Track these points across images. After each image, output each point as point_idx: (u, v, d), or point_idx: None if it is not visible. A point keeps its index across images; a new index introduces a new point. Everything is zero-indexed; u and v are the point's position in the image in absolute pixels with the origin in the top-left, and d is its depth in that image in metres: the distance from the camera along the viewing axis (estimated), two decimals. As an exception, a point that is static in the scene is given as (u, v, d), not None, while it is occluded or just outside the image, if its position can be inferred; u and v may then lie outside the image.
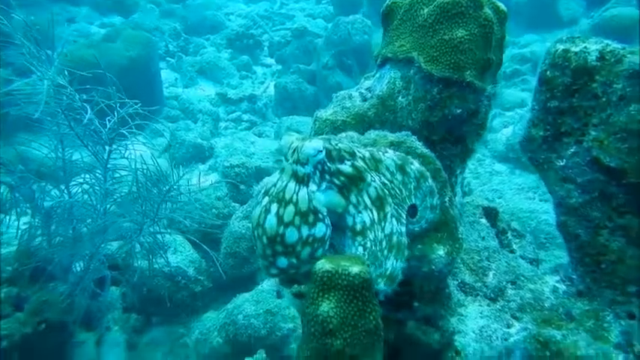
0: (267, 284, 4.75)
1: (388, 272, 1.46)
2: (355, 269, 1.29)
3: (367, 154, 1.49)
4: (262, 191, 1.55)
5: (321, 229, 1.37)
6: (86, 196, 3.67)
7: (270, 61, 11.97)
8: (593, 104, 1.67)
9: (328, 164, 1.40)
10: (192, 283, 4.82)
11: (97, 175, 3.73)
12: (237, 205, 5.69)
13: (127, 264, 4.25)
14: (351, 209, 1.44)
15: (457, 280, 1.75)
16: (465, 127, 1.89)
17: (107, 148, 3.64)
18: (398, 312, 1.56)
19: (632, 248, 1.44)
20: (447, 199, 1.53)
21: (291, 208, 1.36)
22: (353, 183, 1.43)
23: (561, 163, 1.63)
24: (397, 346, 1.54)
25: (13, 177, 3.53)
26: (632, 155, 1.54)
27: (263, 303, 4.30)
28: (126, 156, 3.77)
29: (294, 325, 4.22)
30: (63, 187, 3.82)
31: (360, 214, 1.44)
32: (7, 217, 3.93)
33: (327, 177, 1.41)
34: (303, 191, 1.39)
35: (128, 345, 4.25)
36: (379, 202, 1.44)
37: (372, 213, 1.43)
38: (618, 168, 1.55)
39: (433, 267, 1.47)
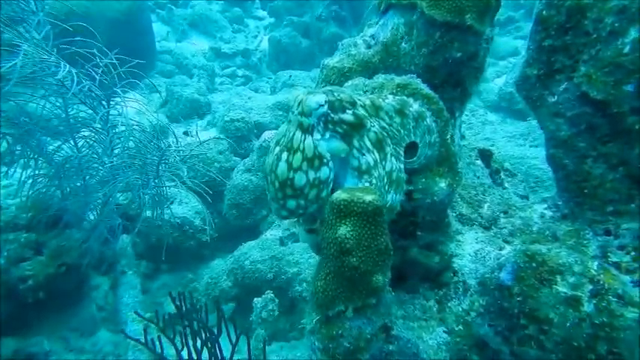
0: (271, 233, 4.98)
1: (388, 204, 1.64)
2: (369, 197, 1.46)
3: (368, 102, 1.63)
4: (274, 140, 1.69)
5: (325, 172, 1.53)
6: (92, 151, 3.79)
7: (262, 13, 11.74)
8: (584, 41, 1.79)
9: (331, 115, 1.55)
10: (199, 232, 5.04)
11: (99, 129, 3.83)
12: (238, 159, 5.83)
13: (136, 213, 4.43)
14: (356, 152, 1.59)
15: (455, 212, 1.94)
16: (464, 69, 2.01)
17: (104, 104, 3.72)
18: (403, 240, 1.74)
19: (611, 173, 1.61)
20: (448, 136, 1.69)
21: (299, 155, 1.52)
22: (355, 129, 1.58)
23: (553, 100, 1.77)
24: (402, 268, 1.74)
25: (19, 130, 3.62)
26: (616, 88, 1.67)
27: (268, 250, 4.53)
28: (122, 112, 3.86)
29: (298, 269, 4.47)
30: (69, 140, 3.92)
31: (364, 156, 1.60)
32: (13, 169, 4.07)
33: (331, 126, 1.55)
34: (309, 140, 1.54)
35: (142, 289, 4.50)
36: (379, 145, 1.60)
37: (374, 154, 1.59)
38: (603, 100, 1.69)
39: (435, 198, 1.64)
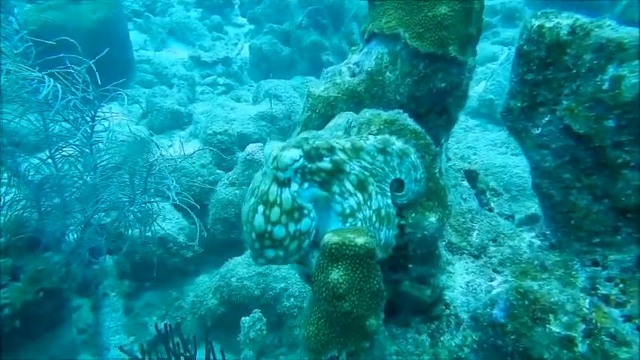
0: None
1: (382, 242, 1.64)
2: (360, 240, 1.45)
3: (348, 145, 1.63)
4: (249, 188, 1.68)
5: (306, 223, 1.53)
6: (73, 168, 3.70)
7: (242, 20, 11.66)
8: (565, 76, 1.82)
9: (308, 165, 1.54)
10: (184, 248, 4.97)
11: (81, 147, 3.74)
12: (221, 172, 5.77)
13: (118, 232, 4.34)
14: (338, 198, 1.59)
15: (445, 240, 1.95)
16: (449, 98, 2.03)
17: (88, 120, 3.63)
18: (395, 273, 1.74)
19: (596, 204, 1.64)
20: (437, 170, 1.69)
21: (276, 209, 1.51)
22: (333, 176, 1.57)
23: (537, 132, 1.80)
24: (394, 301, 1.74)
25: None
26: (598, 122, 1.71)
27: (254, 265, 4.50)
28: (105, 126, 3.78)
29: (286, 284, 4.45)
30: (48, 158, 3.82)
31: (346, 200, 1.59)
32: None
33: (309, 176, 1.55)
34: (286, 193, 1.53)
35: (125, 309, 4.42)
36: (361, 185, 1.60)
37: (357, 196, 1.58)
38: (586, 134, 1.73)
39: (426, 232, 1.64)
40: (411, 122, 1.73)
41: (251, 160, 5.44)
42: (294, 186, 1.50)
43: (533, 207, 4.16)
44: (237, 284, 4.38)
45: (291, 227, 1.49)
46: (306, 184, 1.52)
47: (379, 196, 1.63)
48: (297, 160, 1.49)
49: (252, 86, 9.13)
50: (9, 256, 3.61)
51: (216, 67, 9.83)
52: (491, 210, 2.43)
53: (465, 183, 2.49)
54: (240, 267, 4.50)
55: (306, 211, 1.50)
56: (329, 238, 1.49)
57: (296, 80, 8.59)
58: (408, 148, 1.66)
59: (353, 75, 2.25)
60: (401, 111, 1.77)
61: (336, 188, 1.54)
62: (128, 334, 3.91)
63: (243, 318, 3.90)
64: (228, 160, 5.98)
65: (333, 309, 1.47)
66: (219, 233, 5.20)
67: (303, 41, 9.61)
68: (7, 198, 3.94)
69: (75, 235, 3.94)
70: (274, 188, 1.50)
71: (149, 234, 4.64)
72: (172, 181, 4.32)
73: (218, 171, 5.81)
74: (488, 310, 1.46)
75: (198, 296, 4.57)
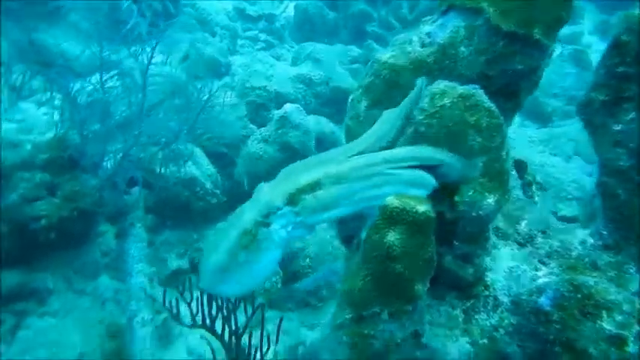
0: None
1: None
2: (422, 207, 1.46)
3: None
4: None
5: None
6: (121, 97, 3.75)
7: (291, -22, 11.39)
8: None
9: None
10: (209, 195, 5.04)
11: (133, 78, 3.77)
12: (254, 127, 5.77)
13: (152, 168, 4.43)
14: None
15: (492, 225, 1.94)
16: (523, 82, 1.98)
17: (148, 49, 3.64)
18: (439, 247, 1.75)
19: (664, 210, 1.61)
20: (504, 152, 1.67)
21: None
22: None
23: (617, 128, 1.74)
24: (435, 274, 1.75)
25: (52, 69, 3.57)
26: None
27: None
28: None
29: (304, 244, 4.55)
30: (96, 81, 3.86)
31: None
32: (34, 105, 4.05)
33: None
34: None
35: (147, 242, 4.54)
36: None
37: None
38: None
39: (481, 212, 1.64)
40: (486, 100, 1.70)
41: (286, 119, 5.43)
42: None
43: (564, 210, 4.10)
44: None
45: None
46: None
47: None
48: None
49: (292, 47, 9.00)
50: (48, 172, 3.71)
51: (259, 22, 9.70)
52: (535, 204, 2.40)
53: (514, 172, 2.45)
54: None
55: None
56: (391, 201, 1.50)
57: (338, 47, 8.44)
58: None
59: (423, 45, 2.20)
60: (477, 87, 1.74)
61: None
62: (150, 265, 4.04)
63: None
64: (262, 116, 5.98)
65: (384, 269, 1.49)
66: (246, 186, 5.25)
67: (350, 8, 9.39)
68: (56, 117, 4.03)
69: (111, 164, 4.02)
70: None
71: (179, 175, 4.74)
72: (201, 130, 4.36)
73: (251, 125, 5.82)
74: (533, 297, 1.47)
75: (217, 242, 4.67)
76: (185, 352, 3.79)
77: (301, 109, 5.53)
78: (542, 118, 6.46)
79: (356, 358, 1.56)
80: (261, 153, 5.27)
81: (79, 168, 3.91)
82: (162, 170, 4.38)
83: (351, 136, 2.22)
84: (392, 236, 1.44)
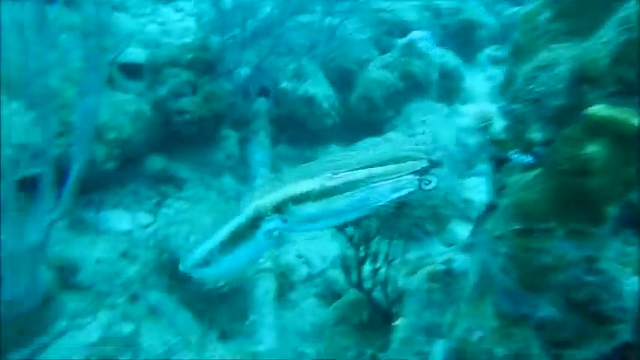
0: (393, 134, 4.94)
1: None
2: (636, 120, 1.32)
3: None
4: None
5: None
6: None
7: None
8: None
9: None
10: (325, 115, 5.11)
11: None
12: (376, 52, 5.63)
13: (276, 82, 4.56)
14: None
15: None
16: None
17: None
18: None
19: None
20: None
21: None
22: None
23: None
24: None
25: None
26: None
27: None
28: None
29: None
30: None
31: None
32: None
33: None
34: None
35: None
36: None
37: None
38: None
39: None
40: None
41: (412, 46, 5.23)
42: None
43: None
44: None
45: None
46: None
47: None
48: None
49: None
50: (191, 71, 3.97)
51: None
52: None
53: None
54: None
55: None
56: (596, 110, 1.38)
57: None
58: None
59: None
60: None
61: None
62: (272, 170, 4.27)
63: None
64: (385, 42, 5.80)
65: (573, 182, 1.39)
66: (361, 111, 5.24)
67: None
68: (191, 23, 4.23)
69: (245, 71, 4.20)
70: None
71: (300, 92, 4.83)
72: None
73: (373, 50, 5.68)
74: None
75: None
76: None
77: (429, 37, 5.27)
78: None
79: (513, 271, 1.53)
80: (381, 79, 5.18)
81: (216, 72, 4.13)
82: (286, 85, 4.50)
83: (520, 53, 2.04)
84: (592, 148, 1.34)
